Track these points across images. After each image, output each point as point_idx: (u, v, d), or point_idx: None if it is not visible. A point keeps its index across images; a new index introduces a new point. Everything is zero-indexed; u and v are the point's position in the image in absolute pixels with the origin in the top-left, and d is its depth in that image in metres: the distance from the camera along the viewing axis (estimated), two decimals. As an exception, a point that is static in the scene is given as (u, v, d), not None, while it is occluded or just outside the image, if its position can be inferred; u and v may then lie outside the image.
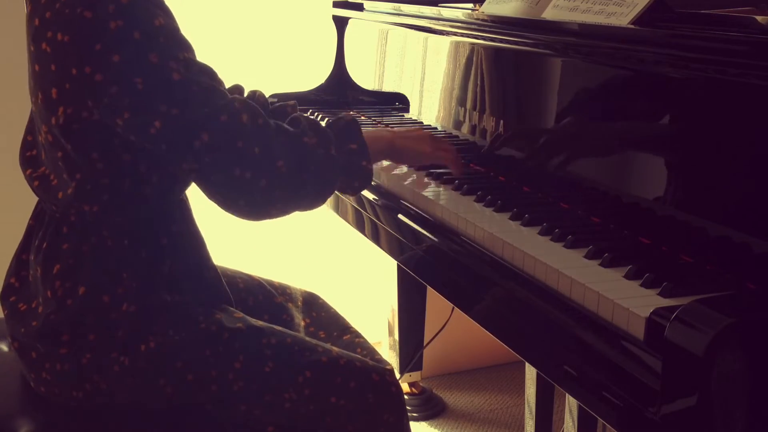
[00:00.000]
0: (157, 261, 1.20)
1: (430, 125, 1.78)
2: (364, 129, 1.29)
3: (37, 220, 1.24)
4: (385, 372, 1.30)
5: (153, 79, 1.06)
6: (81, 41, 1.07)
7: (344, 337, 1.44)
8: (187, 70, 1.09)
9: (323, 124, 1.24)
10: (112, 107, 1.08)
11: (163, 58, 1.07)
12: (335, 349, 1.29)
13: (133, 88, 1.06)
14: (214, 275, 1.28)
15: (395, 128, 1.45)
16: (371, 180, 1.27)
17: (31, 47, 1.13)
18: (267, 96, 2.13)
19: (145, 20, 1.07)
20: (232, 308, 1.28)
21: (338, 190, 1.25)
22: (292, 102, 1.53)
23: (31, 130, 1.25)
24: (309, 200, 1.19)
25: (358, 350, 1.41)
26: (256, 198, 1.13)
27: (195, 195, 1.23)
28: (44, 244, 1.20)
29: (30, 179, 1.23)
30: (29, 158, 1.24)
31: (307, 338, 1.30)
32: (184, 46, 1.11)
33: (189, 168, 1.11)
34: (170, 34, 1.10)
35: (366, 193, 1.59)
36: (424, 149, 1.39)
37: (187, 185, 1.25)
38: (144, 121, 1.07)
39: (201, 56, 1.18)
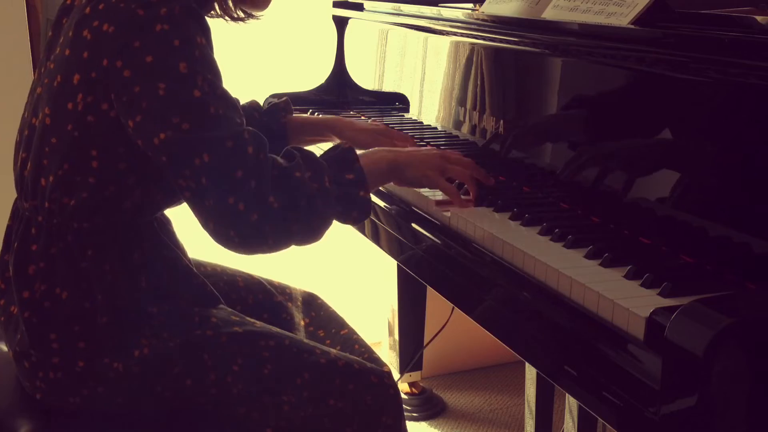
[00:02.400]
0: (130, 276, 1.18)
1: (430, 125, 1.78)
2: (364, 153, 1.26)
3: (14, 219, 1.24)
4: (383, 374, 1.30)
5: (175, 88, 1.07)
6: (123, 35, 1.08)
7: (342, 332, 1.44)
8: (210, 91, 1.09)
9: (318, 154, 1.22)
10: (129, 106, 1.09)
11: (191, 71, 1.08)
12: (333, 351, 1.29)
13: (154, 91, 1.07)
14: (199, 281, 1.27)
15: (403, 149, 1.35)
16: (370, 210, 1.22)
17: (70, 33, 1.14)
18: (267, 96, 2.14)
19: (188, 32, 1.09)
20: (228, 309, 1.28)
21: (337, 221, 1.21)
22: (284, 101, 1.56)
23: (25, 113, 1.24)
24: (302, 236, 1.16)
25: (356, 346, 1.41)
26: (246, 231, 1.10)
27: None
28: (15, 245, 1.20)
29: (20, 167, 1.22)
30: (20, 143, 1.24)
31: (306, 340, 1.30)
32: (215, 71, 1.12)
33: (185, 185, 1.09)
34: (206, 54, 1.11)
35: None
36: (428, 172, 1.31)
37: (163, 208, 1.24)
38: (153, 127, 1.08)
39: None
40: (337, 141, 1.53)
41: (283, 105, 1.57)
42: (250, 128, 1.13)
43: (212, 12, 1.30)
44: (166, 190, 1.19)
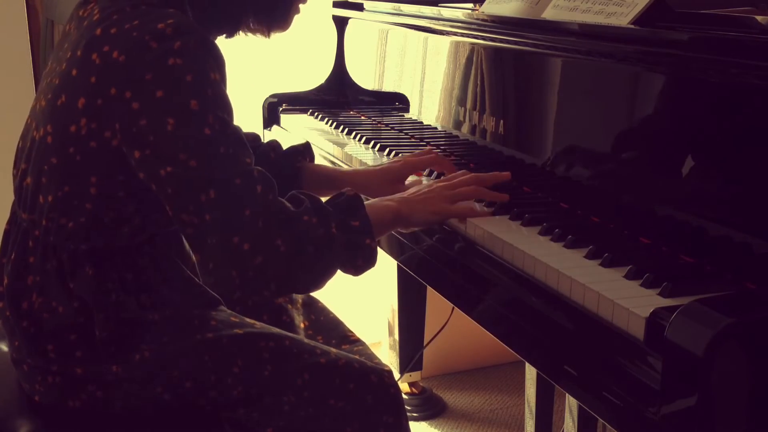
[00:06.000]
0: (126, 291, 1.17)
1: (430, 125, 1.78)
2: (368, 203, 1.21)
3: (12, 224, 1.23)
4: (384, 373, 1.30)
5: (185, 125, 1.05)
6: (134, 66, 1.05)
7: (343, 346, 1.43)
8: (221, 130, 1.07)
9: (324, 200, 1.18)
10: (136, 139, 1.07)
11: (202, 109, 1.05)
12: (334, 350, 1.29)
13: (162, 126, 1.05)
14: (200, 290, 1.25)
15: (406, 193, 1.30)
16: (375, 259, 1.17)
17: (79, 52, 1.10)
18: (267, 96, 2.13)
19: (202, 68, 1.06)
20: (228, 310, 1.28)
21: (341, 269, 1.16)
22: (304, 144, 1.48)
23: (29, 120, 1.23)
24: (306, 284, 1.13)
25: (355, 348, 1.41)
26: (248, 274, 1.06)
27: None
28: (12, 254, 1.19)
29: (20, 177, 1.21)
30: (22, 149, 1.23)
31: (306, 340, 1.29)
32: (227, 109, 1.10)
33: (188, 220, 1.06)
34: (218, 91, 1.08)
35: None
36: (435, 209, 1.27)
37: (163, 231, 1.21)
38: (160, 162, 1.06)
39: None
40: None
41: (302, 149, 1.49)
42: (259, 168, 1.10)
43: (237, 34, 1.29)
44: (168, 220, 1.14)
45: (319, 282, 1.14)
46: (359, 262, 1.16)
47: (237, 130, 1.11)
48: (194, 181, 1.05)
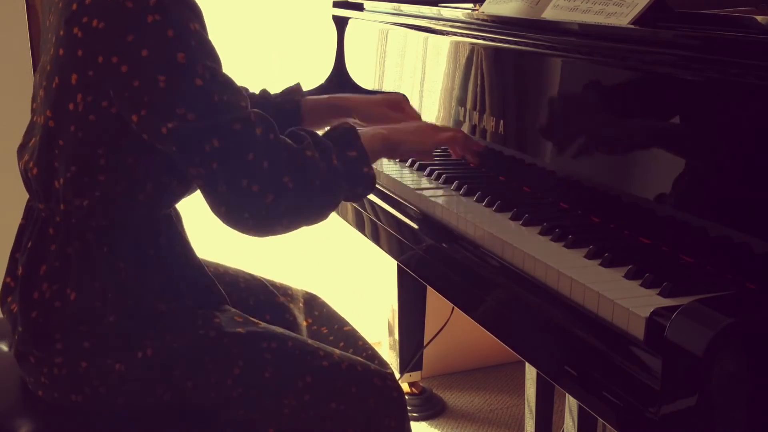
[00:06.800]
0: (143, 273, 1.18)
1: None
2: (361, 131, 1.27)
3: (28, 219, 1.24)
4: (387, 376, 1.29)
5: (176, 79, 1.06)
6: (115, 30, 1.06)
7: (345, 328, 1.44)
8: (211, 78, 1.09)
9: (321, 134, 1.23)
10: (131, 101, 1.08)
11: (190, 61, 1.07)
12: (337, 352, 1.29)
13: (155, 84, 1.06)
14: (208, 280, 1.27)
15: (398, 125, 1.41)
16: (375, 185, 1.24)
17: (61, 31, 1.12)
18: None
19: (181, 21, 1.07)
20: (233, 309, 1.28)
21: (344, 199, 1.22)
22: (296, 84, 1.54)
23: (32, 115, 1.24)
24: (315, 215, 1.18)
25: (359, 343, 1.41)
26: (261, 213, 1.11)
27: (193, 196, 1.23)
28: (29, 243, 1.20)
29: (24, 170, 1.22)
30: (24, 144, 1.24)
31: (309, 341, 1.29)
32: (213, 57, 1.11)
33: (196, 173, 1.09)
34: (202, 41, 1.10)
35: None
36: (422, 140, 1.37)
37: (178, 198, 1.24)
38: (159, 120, 1.07)
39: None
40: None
41: (296, 87, 1.56)
42: (256, 110, 1.13)
43: None
44: (179, 179, 1.19)
45: (325, 214, 1.19)
46: (360, 191, 1.22)
47: (227, 76, 1.12)
48: (195, 133, 1.07)
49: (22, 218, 1.25)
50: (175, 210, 1.28)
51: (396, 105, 1.54)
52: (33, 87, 1.25)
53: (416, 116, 1.56)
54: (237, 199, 1.09)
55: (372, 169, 1.23)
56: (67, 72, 1.12)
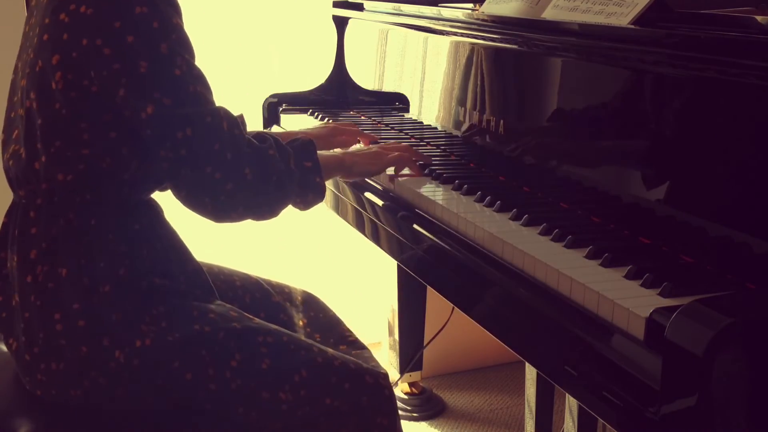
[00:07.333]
0: (132, 245, 1.22)
1: (430, 125, 1.78)
2: (320, 152, 1.36)
3: (10, 216, 1.26)
4: (379, 375, 1.31)
5: (157, 67, 1.14)
6: (103, 16, 1.13)
7: (340, 347, 1.45)
8: (188, 70, 1.17)
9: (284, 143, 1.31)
10: (110, 81, 1.14)
11: (171, 52, 1.15)
12: (330, 350, 1.30)
13: (135, 69, 1.13)
14: (196, 267, 1.31)
15: (351, 149, 1.57)
16: (324, 195, 1.33)
17: (46, 20, 1.17)
18: (267, 96, 2.16)
19: (165, 14, 1.15)
20: (227, 305, 1.29)
21: (292, 203, 1.30)
22: (239, 115, 1.56)
23: (9, 112, 1.27)
24: (267, 208, 1.26)
25: (354, 352, 1.42)
26: (220, 198, 1.18)
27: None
28: (16, 232, 1.22)
29: (7, 161, 1.25)
30: (6, 140, 1.27)
31: (303, 337, 1.31)
32: (190, 51, 1.20)
33: (164, 155, 1.16)
34: (182, 35, 1.18)
35: (366, 193, 1.59)
36: (373, 161, 1.48)
37: (159, 183, 1.28)
38: (137, 102, 1.14)
39: (201, 56, 1.22)
40: None
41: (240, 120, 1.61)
42: (222, 106, 1.21)
43: None
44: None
45: (275, 211, 1.28)
46: (309, 197, 1.32)
47: (200, 71, 1.20)
48: (171, 121, 1.15)
49: (5, 217, 1.27)
50: (156, 203, 1.31)
51: (335, 132, 1.66)
52: (10, 85, 1.28)
53: (355, 131, 1.69)
54: (200, 185, 1.18)
55: (323, 180, 1.33)
56: (50, 54, 1.17)
